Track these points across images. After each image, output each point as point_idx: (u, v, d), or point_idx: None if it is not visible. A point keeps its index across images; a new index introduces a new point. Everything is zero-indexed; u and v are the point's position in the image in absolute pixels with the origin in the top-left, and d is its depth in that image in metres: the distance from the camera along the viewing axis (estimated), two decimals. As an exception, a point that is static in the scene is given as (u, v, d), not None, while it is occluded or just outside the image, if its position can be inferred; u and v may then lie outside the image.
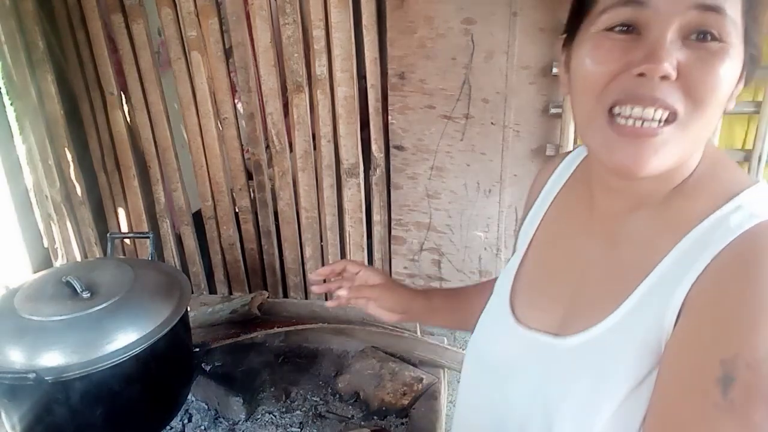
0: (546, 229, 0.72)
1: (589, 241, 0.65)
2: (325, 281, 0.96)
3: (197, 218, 1.86)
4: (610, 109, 0.53)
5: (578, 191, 0.69)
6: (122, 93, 1.74)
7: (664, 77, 0.50)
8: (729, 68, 0.50)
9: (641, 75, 0.51)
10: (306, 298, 1.87)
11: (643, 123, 0.51)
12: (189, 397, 1.41)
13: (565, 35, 0.61)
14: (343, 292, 0.88)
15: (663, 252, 0.56)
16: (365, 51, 1.53)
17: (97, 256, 1.88)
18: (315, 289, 0.92)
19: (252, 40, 1.61)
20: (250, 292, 1.86)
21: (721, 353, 0.48)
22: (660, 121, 0.51)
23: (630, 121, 0.52)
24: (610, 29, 0.53)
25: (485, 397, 0.73)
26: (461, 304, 0.85)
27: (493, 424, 0.72)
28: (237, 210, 1.82)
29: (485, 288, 0.83)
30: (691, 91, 0.50)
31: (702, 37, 0.50)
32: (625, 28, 0.52)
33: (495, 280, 0.78)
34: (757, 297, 0.49)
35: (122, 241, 1.92)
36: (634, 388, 0.56)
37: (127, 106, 1.76)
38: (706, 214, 0.55)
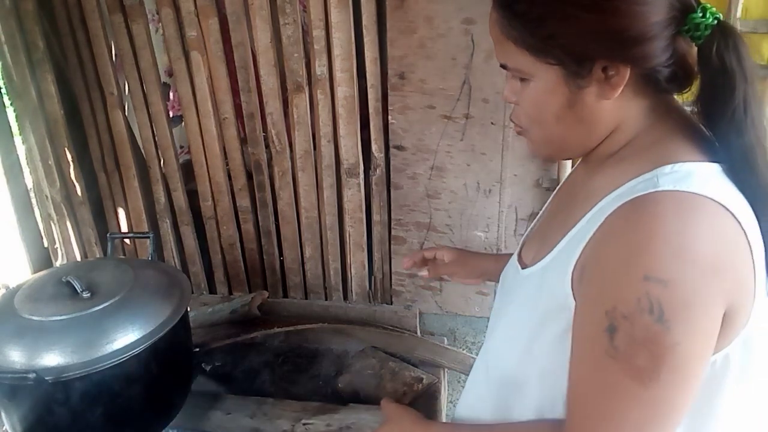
0: (556, 193, 0.90)
1: (563, 198, 0.81)
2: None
3: (197, 218, 1.86)
4: None
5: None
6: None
7: (507, 101, 0.73)
8: (533, 93, 0.67)
9: None
10: (306, 298, 1.87)
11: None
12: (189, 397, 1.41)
13: None
14: (424, 273, 1.12)
15: (585, 211, 0.65)
16: (365, 51, 1.52)
17: (97, 256, 1.88)
18: (405, 264, 1.14)
19: (252, 40, 1.61)
20: (250, 292, 1.85)
21: (604, 305, 0.57)
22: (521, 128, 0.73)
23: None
24: None
25: (491, 323, 0.88)
26: None
27: (485, 348, 0.87)
28: (237, 210, 1.82)
29: None
30: (520, 112, 0.71)
31: (517, 75, 0.68)
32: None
33: None
34: (628, 253, 0.57)
35: (122, 241, 1.92)
36: (541, 325, 0.68)
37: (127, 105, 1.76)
38: (626, 181, 0.62)
